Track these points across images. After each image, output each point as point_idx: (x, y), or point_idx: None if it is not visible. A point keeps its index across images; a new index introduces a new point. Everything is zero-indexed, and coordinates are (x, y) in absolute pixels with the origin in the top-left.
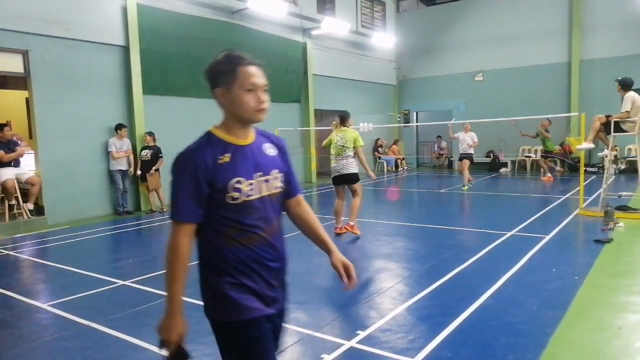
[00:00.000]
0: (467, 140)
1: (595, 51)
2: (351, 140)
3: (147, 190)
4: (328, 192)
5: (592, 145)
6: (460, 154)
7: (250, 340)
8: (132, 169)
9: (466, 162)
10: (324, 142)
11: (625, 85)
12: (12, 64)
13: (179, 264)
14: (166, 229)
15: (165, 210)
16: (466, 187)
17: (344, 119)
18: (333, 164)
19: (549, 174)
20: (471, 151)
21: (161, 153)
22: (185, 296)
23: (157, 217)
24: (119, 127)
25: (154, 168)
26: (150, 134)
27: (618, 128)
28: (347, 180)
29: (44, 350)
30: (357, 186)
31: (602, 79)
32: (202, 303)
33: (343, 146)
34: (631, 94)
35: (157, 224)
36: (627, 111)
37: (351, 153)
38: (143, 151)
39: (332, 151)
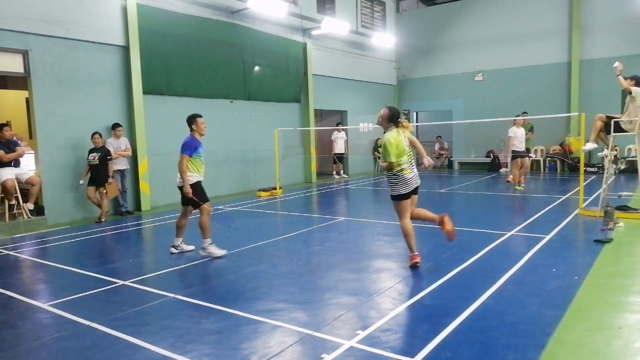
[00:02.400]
0: (524, 136)
1: (595, 51)
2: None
3: (99, 196)
4: (328, 193)
5: (595, 145)
6: (519, 151)
7: None
8: (81, 180)
9: (527, 160)
10: (396, 149)
11: (637, 79)
12: (12, 64)
13: None
14: (166, 228)
15: (105, 219)
16: (521, 187)
17: (398, 116)
18: (409, 174)
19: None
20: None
21: (110, 155)
22: (185, 296)
23: (157, 217)
24: (114, 126)
25: (110, 177)
26: (99, 134)
27: (618, 128)
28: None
29: (44, 350)
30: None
31: (602, 79)
32: (202, 303)
33: (411, 150)
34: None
35: (157, 224)
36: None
37: None
38: (90, 155)
39: (405, 158)
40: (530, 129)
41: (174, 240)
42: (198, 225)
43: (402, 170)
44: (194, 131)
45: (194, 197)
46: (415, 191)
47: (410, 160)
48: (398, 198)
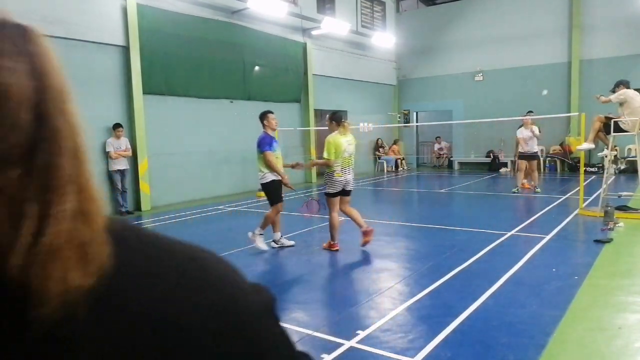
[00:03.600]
0: (531, 137)
1: (595, 51)
2: (355, 147)
3: None
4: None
5: (592, 146)
6: (532, 152)
7: None
8: None
9: (534, 163)
10: (332, 151)
11: (625, 83)
12: None
13: None
14: (166, 228)
15: None
16: (517, 190)
17: (341, 118)
18: (338, 177)
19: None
20: (535, 149)
21: None
22: None
23: (157, 217)
24: (115, 127)
25: None
26: None
27: (618, 128)
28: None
29: None
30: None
31: (602, 79)
32: None
33: (351, 156)
34: (628, 90)
35: (157, 224)
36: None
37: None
38: None
39: (340, 160)
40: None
41: (273, 235)
42: (265, 215)
43: (334, 171)
44: (266, 127)
45: (270, 195)
46: (345, 193)
47: (347, 164)
48: (325, 195)
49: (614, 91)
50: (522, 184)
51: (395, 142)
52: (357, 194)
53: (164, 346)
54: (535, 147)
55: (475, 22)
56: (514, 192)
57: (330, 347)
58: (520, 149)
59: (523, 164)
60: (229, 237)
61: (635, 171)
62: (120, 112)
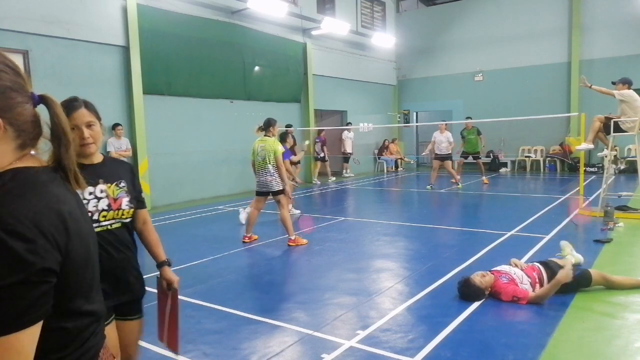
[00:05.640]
0: (443, 142)
1: (595, 51)
2: (271, 152)
3: None
4: (328, 192)
5: (591, 146)
6: (442, 154)
7: None
8: None
9: (448, 163)
10: (251, 155)
11: (626, 82)
12: None
13: None
14: (166, 228)
15: None
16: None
17: (268, 125)
18: (257, 177)
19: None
20: (450, 151)
21: None
22: (185, 296)
23: (157, 217)
24: (114, 126)
25: None
26: None
27: (618, 128)
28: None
29: None
30: (281, 197)
31: (602, 79)
32: (202, 303)
33: (263, 160)
34: (629, 91)
35: (157, 224)
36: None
37: (272, 169)
38: None
39: (255, 164)
40: (477, 133)
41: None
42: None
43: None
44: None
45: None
46: (261, 194)
47: (261, 166)
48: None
49: (614, 83)
50: (445, 181)
51: (392, 141)
52: (357, 194)
53: None
54: (444, 149)
55: (475, 22)
56: (428, 189)
57: (330, 347)
58: (437, 151)
59: (437, 163)
60: (229, 237)
61: (635, 171)
62: (120, 112)
